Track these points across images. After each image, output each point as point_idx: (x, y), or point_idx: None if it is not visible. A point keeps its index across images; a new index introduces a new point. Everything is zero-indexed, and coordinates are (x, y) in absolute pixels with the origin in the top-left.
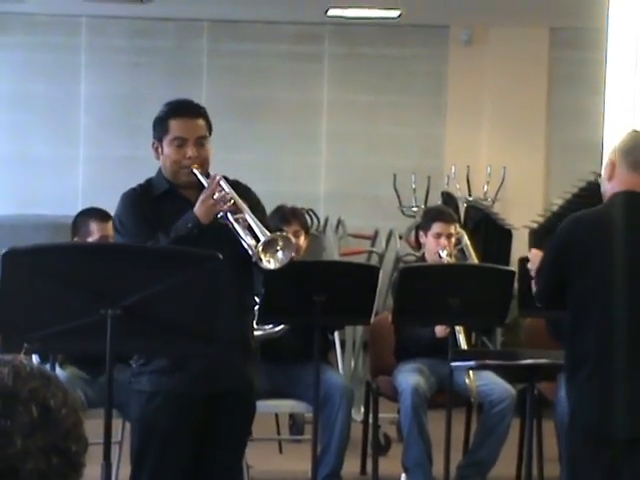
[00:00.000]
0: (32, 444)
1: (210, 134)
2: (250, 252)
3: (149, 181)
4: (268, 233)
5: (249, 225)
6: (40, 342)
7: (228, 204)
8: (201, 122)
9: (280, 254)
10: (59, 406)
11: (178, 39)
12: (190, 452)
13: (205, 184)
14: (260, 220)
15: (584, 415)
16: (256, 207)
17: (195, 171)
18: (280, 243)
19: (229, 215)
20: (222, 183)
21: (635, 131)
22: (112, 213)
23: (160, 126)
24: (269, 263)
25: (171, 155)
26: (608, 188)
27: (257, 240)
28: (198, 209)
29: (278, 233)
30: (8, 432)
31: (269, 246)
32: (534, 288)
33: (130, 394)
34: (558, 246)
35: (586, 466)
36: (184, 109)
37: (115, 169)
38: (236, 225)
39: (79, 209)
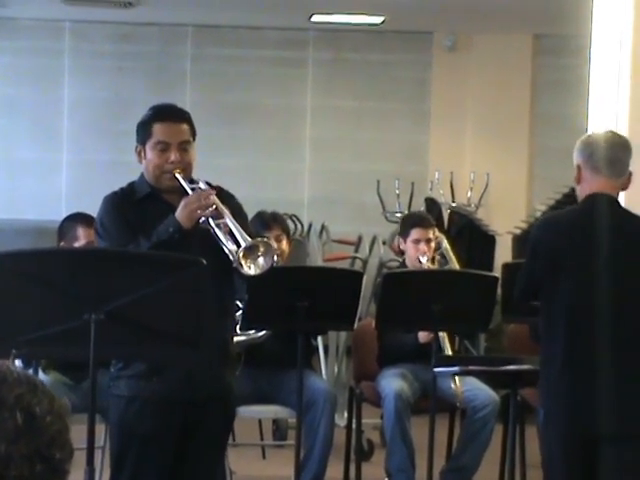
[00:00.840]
0: (15, 450)
1: (194, 139)
2: (231, 257)
3: (131, 185)
4: (249, 239)
5: (230, 230)
6: (23, 347)
7: (210, 209)
8: (185, 127)
9: (261, 260)
10: (44, 413)
11: (162, 44)
12: (169, 456)
13: (187, 189)
14: (241, 226)
15: (557, 413)
16: (239, 214)
17: (177, 176)
18: (261, 249)
19: (210, 220)
20: (203, 187)
21: (589, 136)
22: None
23: (143, 130)
24: (250, 269)
25: (154, 159)
26: (579, 191)
27: (238, 246)
28: (180, 214)
29: (259, 239)
30: None
31: (250, 252)
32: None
33: (110, 398)
34: (531, 247)
35: (561, 465)
36: (168, 113)
37: (99, 173)
38: (217, 230)
39: (62, 214)
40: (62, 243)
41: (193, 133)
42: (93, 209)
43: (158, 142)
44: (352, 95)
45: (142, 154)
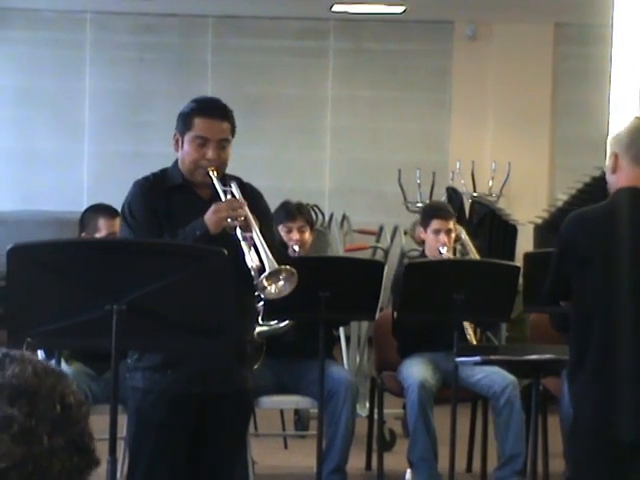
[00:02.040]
0: (56, 442)
1: (233, 137)
2: (252, 274)
3: (164, 172)
4: (274, 264)
5: (255, 245)
6: (44, 338)
7: (239, 219)
8: (226, 125)
9: (281, 284)
10: (78, 402)
11: (183, 35)
12: (185, 447)
13: (220, 192)
14: (267, 236)
15: (587, 416)
16: (265, 216)
17: (211, 174)
18: (284, 274)
19: (238, 231)
20: (236, 192)
21: (637, 118)
22: (118, 208)
23: (184, 121)
24: (270, 290)
25: (191, 153)
26: (613, 181)
27: (262, 264)
28: (209, 218)
29: (283, 266)
30: (34, 431)
31: (272, 275)
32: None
33: (127, 389)
34: (561, 244)
35: (590, 469)
36: (211, 109)
37: (120, 165)
38: (243, 243)
39: (84, 205)
40: (83, 234)
41: (233, 131)
42: (114, 200)
43: (197, 137)
44: (373, 85)
45: (179, 143)
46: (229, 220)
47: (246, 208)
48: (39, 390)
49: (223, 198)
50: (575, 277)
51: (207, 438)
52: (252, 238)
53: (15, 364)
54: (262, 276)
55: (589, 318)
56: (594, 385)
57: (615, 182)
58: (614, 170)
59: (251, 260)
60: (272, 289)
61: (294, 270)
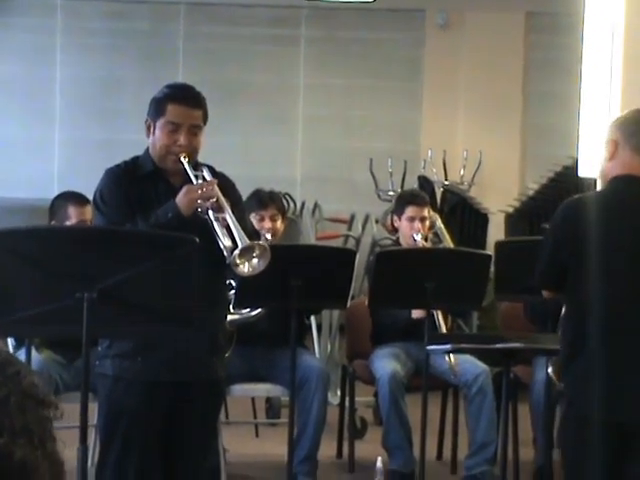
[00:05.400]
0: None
1: (205, 124)
2: (225, 253)
3: (135, 159)
4: (247, 240)
5: (228, 226)
6: (14, 325)
7: (211, 201)
8: (198, 112)
9: (255, 261)
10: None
11: (154, 22)
12: (157, 434)
13: (191, 176)
14: (240, 220)
15: (583, 401)
16: (237, 205)
17: (182, 160)
18: (257, 251)
19: (210, 212)
20: (207, 176)
21: (632, 112)
22: (89, 196)
23: (157, 107)
24: (243, 268)
25: (162, 139)
26: (608, 168)
27: (234, 243)
28: (180, 200)
29: (256, 242)
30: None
31: (245, 252)
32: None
33: (97, 376)
34: (557, 233)
35: (585, 451)
36: (184, 96)
37: (91, 152)
38: (215, 224)
39: (55, 192)
40: (53, 222)
41: (205, 118)
42: (86, 188)
43: (169, 122)
44: (345, 73)
45: (151, 129)
46: (200, 201)
47: (217, 190)
48: None
49: (195, 182)
50: (572, 267)
51: (178, 426)
52: (224, 219)
53: None
54: (235, 252)
55: (587, 306)
56: (593, 371)
57: (610, 169)
58: (612, 157)
59: (224, 241)
60: (245, 267)
61: (267, 245)
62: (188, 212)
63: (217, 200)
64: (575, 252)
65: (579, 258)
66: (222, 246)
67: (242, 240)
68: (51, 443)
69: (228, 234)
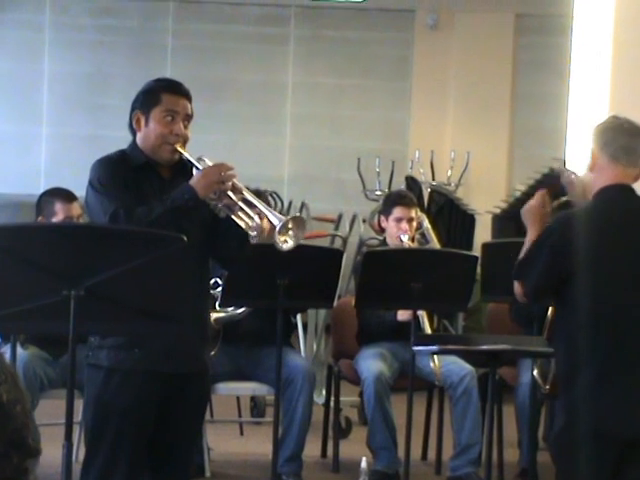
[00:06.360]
0: None
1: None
2: (250, 232)
3: (122, 152)
4: (281, 216)
5: (251, 203)
6: (1, 322)
7: (227, 184)
8: (190, 105)
9: (292, 232)
10: (10, 401)
11: (143, 19)
12: (147, 432)
13: (194, 162)
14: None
15: (591, 415)
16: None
17: (180, 149)
18: (291, 223)
19: (231, 194)
20: (209, 163)
21: (613, 117)
22: (76, 192)
23: (150, 97)
24: (286, 243)
25: (159, 128)
26: (590, 178)
27: (268, 220)
28: (197, 183)
29: (289, 216)
30: None
31: (284, 227)
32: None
33: (87, 369)
34: (554, 245)
35: (587, 466)
36: (177, 87)
37: (79, 148)
38: (240, 204)
39: (42, 188)
40: (40, 218)
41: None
42: (73, 183)
43: (167, 110)
44: (333, 72)
45: (141, 122)
46: (218, 184)
47: (235, 172)
48: None
49: (200, 167)
50: (572, 280)
51: (168, 420)
52: (244, 200)
53: None
54: (276, 231)
55: (588, 320)
56: (600, 386)
57: (593, 180)
58: (592, 168)
59: (248, 221)
60: (288, 240)
61: (299, 214)
62: (206, 194)
63: (233, 184)
64: (577, 267)
65: (582, 273)
66: (244, 225)
67: (276, 217)
68: None
69: (251, 214)
